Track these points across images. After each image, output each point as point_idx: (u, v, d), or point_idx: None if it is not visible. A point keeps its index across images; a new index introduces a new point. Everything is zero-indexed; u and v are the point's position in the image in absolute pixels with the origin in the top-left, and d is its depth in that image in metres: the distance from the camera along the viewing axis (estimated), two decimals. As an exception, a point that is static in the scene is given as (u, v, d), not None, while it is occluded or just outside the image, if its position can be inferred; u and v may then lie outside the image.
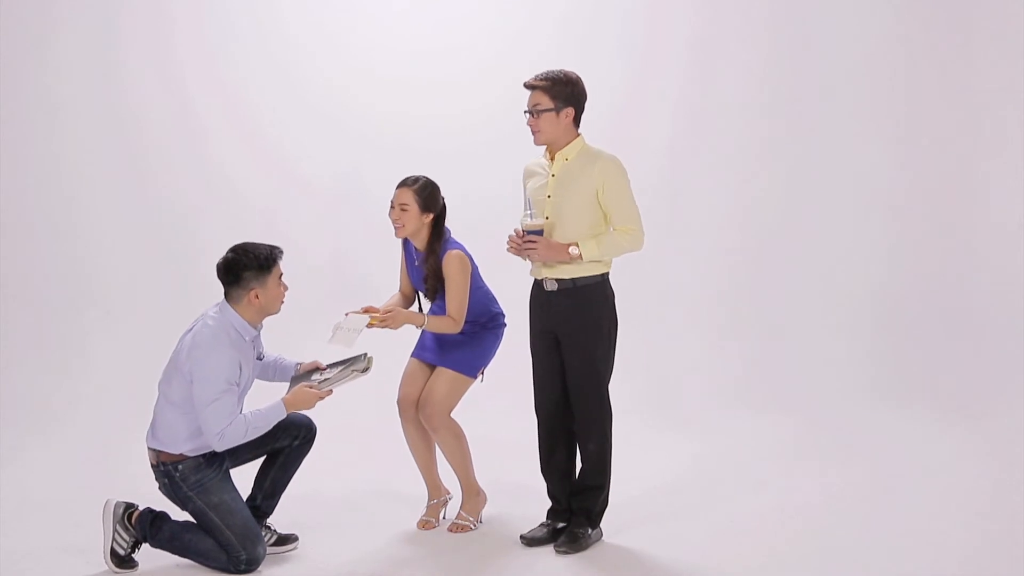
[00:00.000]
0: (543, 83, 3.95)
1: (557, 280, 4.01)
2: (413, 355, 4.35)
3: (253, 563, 3.84)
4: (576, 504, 4.13)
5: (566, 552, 4.03)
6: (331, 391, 3.95)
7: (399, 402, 4.33)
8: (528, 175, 4.15)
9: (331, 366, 4.10)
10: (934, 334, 6.21)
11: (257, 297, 3.84)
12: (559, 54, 6.35)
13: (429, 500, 4.37)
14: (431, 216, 4.15)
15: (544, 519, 4.21)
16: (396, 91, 6.36)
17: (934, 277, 6.33)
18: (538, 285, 4.11)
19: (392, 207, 4.15)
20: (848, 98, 6.44)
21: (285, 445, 4.10)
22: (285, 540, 4.10)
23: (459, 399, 4.25)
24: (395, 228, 4.17)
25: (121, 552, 3.89)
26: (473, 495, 4.33)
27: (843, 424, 5.65)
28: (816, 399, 5.92)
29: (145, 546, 3.94)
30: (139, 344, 6.22)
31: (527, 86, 3.99)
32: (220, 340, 3.77)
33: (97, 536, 4.02)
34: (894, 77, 6.42)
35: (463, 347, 4.23)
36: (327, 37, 6.50)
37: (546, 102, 3.95)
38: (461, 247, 4.19)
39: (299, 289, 6.04)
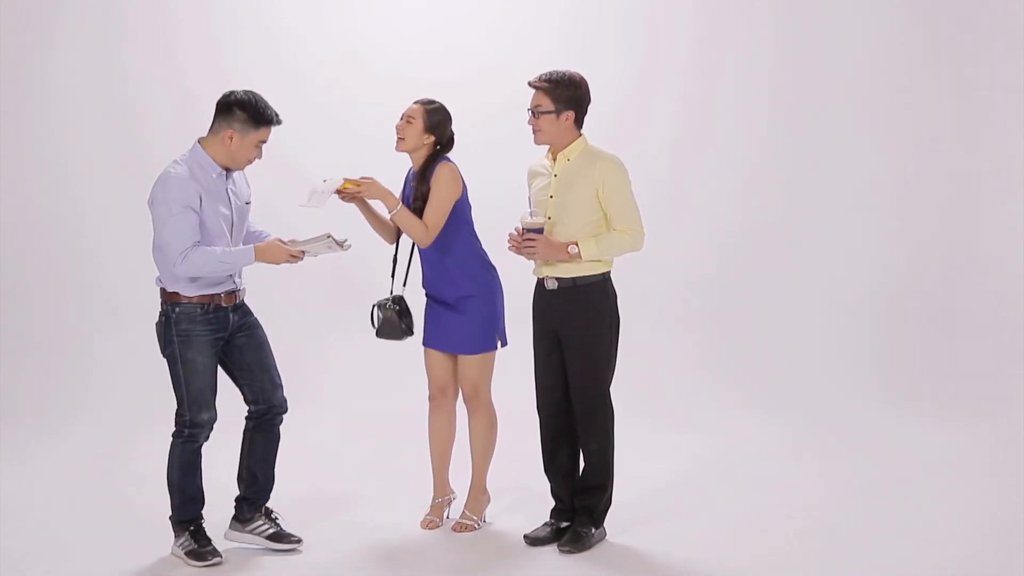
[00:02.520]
0: (545, 85, 3.96)
1: (557, 279, 4.02)
2: (427, 345, 4.31)
3: (194, 427, 3.89)
4: (579, 503, 4.14)
5: (569, 551, 4.04)
6: (303, 253, 3.90)
7: (430, 390, 4.33)
8: (532, 175, 4.16)
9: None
10: (935, 333, 6.22)
11: (231, 139, 3.81)
12: (562, 54, 6.36)
13: (433, 499, 4.38)
14: (432, 139, 4.14)
15: (547, 519, 4.21)
16: (398, 90, 6.31)
17: (935, 277, 6.33)
18: (540, 284, 4.11)
19: (401, 118, 4.16)
20: (850, 98, 6.45)
21: (251, 403, 4.04)
22: (284, 537, 4.08)
23: (492, 371, 4.26)
24: (397, 139, 4.17)
25: (193, 547, 3.93)
26: (479, 494, 4.33)
27: (844, 423, 5.65)
28: (817, 399, 5.92)
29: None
30: (142, 344, 6.17)
31: (531, 85, 4.01)
32: (179, 171, 3.76)
33: (98, 535, 4.15)
34: (896, 76, 6.44)
35: (472, 327, 4.19)
36: (330, 36, 6.51)
37: (547, 104, 3.96)
38: (456, 167, 4.16)
39: (300, 287, 6.09)
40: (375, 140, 6.31)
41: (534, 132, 4.02)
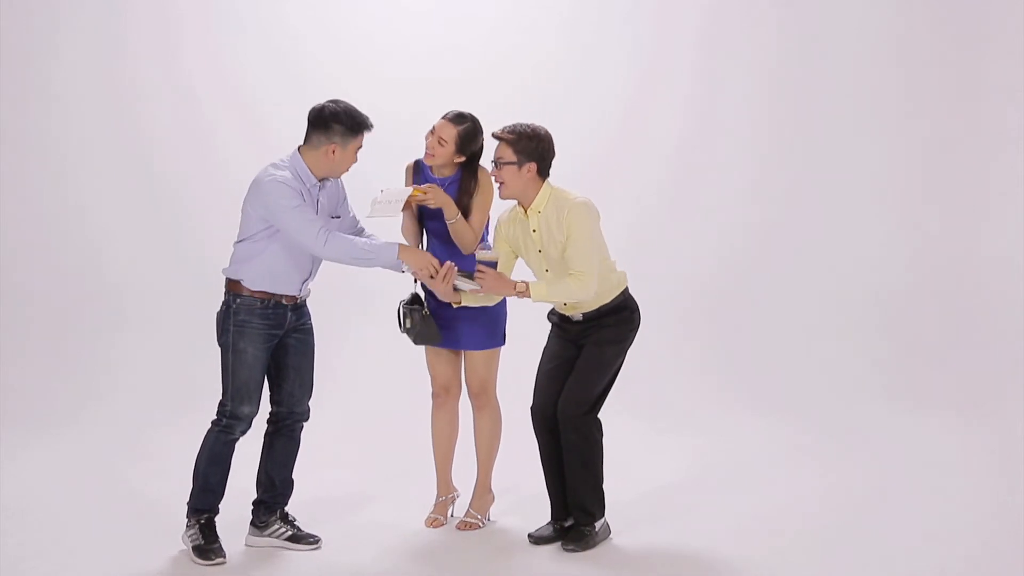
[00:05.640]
0: (508, 136, 3.98)
1: (583, 313, 4.08)
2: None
3: (233, 417, 3.92)
4: (569, 499, 4.13)
5: (573, 550, 4.04)
6: (447, 268, 3.89)
7: (434, 388, 4.35)
8: (505, 229, 4.14)
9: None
10: (937, 334, 6.24)
11: (334, 153, 3.88)
12: (565, 54, 6.36)
13: (438, 497, 4.39)
14: (463, 158, 4.17)
15: (551, 518, 4.22)
16: (401, 91, 6.36)
17: (938, 279, 6.35)
18: (564, 316, 4.16)
19: (432, 132, 4.16)
20: (854, 101, 6.47)
21: (275, 404, 4.07)
22: (303, 539, 4.10)
23: (498, 368, 4.30)
24: (426, 153, 4.18)
25: (199, 543, 3.93)
26: (484, 493, 4.35)
27: (845, 424, 5.66)
28: (819, 399, 5.94)
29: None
30: (146, 344, 6.23)
31: (494, 136, 4.02)
32: (284, 175, 3.84)
33: (101, 535, 4.14)
34: (902, 77, 6.46)
35: (479, 323, 4.21)
36: (333, 36, 6.52)
37: (509, 155, 3.97)
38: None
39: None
40: (379, 140, 6.34)
41: (498, 184, 4.03)
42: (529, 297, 3.93)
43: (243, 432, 3.97)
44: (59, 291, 6.35)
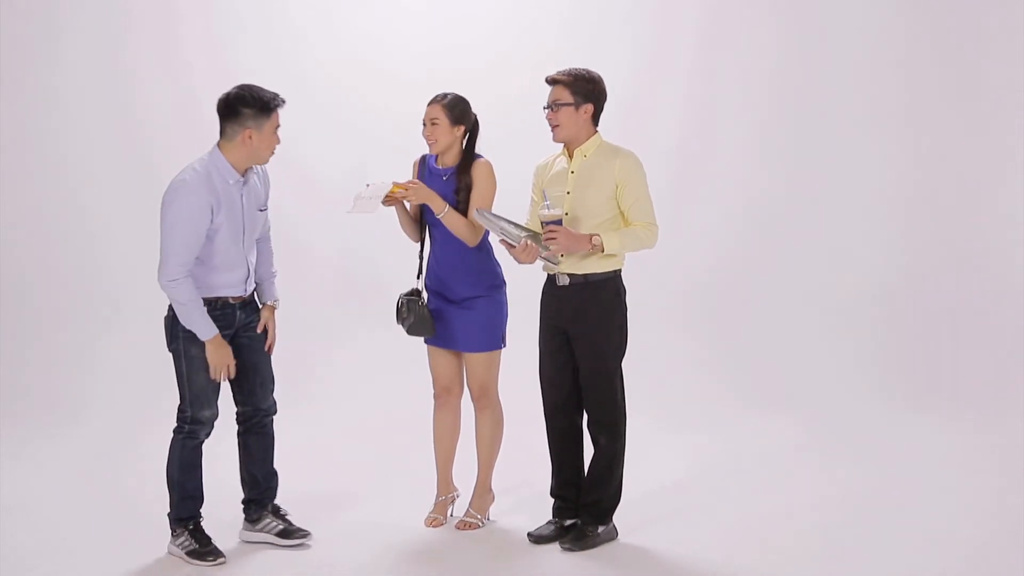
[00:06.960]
0: (565, 78, 3.99)
1: (569, 275, 4.01)
2: (432, 344, 4.30)
3: (195, 423, 3.87)
4: (585, 498, 4.13)
5: (571, 549, 4.04)
6: (525, 244, 3.83)
7: (435, 388, 4.34)
8: (541, 171, 4.16)
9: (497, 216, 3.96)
10: (938, 333, 6.24)
11: (251, 138, 3.78)
12: (567, 53, 6.36)
13: (437, 497, 4.39)
14: (463, 129, 4.15)
15: (551, 517, 4.22)
16: (403, 89, 6.35)
17: (939, 276, 6.36)
18: (550, 281, 4.11)
19: (424, 125, 4.15)
20: (854, 98, 6.48)
21: (239, 404, 4.03)
22: (292, 533, 4.09)
23: (499, 369, 4.29)
24: (428, 145, 4.16)
25: (194, 547, 3.91)
26: (483, 492, 4.35)
27: (845, 423, 5.66)
28: (821, 399, 5.93)
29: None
30: (146, 342, 6.20)
31: (549, 81, 4.02)
32: (195, 179, 3.71)
33: (101, 535, 4.14)
34: (900, 76, 6.46)
35: (479, 325, 4.19)
36: (335, 35, 6.52)
37: (566, 97, 3.97)
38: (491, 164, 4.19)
39: (307, 287, 6.11)
40: (381, 140, 6.37)
41: (553, 128, 4.01)
42: (602, 251, 3.92)
43: (207, 435, 3.93)
44: (59, 291, 6.36)
